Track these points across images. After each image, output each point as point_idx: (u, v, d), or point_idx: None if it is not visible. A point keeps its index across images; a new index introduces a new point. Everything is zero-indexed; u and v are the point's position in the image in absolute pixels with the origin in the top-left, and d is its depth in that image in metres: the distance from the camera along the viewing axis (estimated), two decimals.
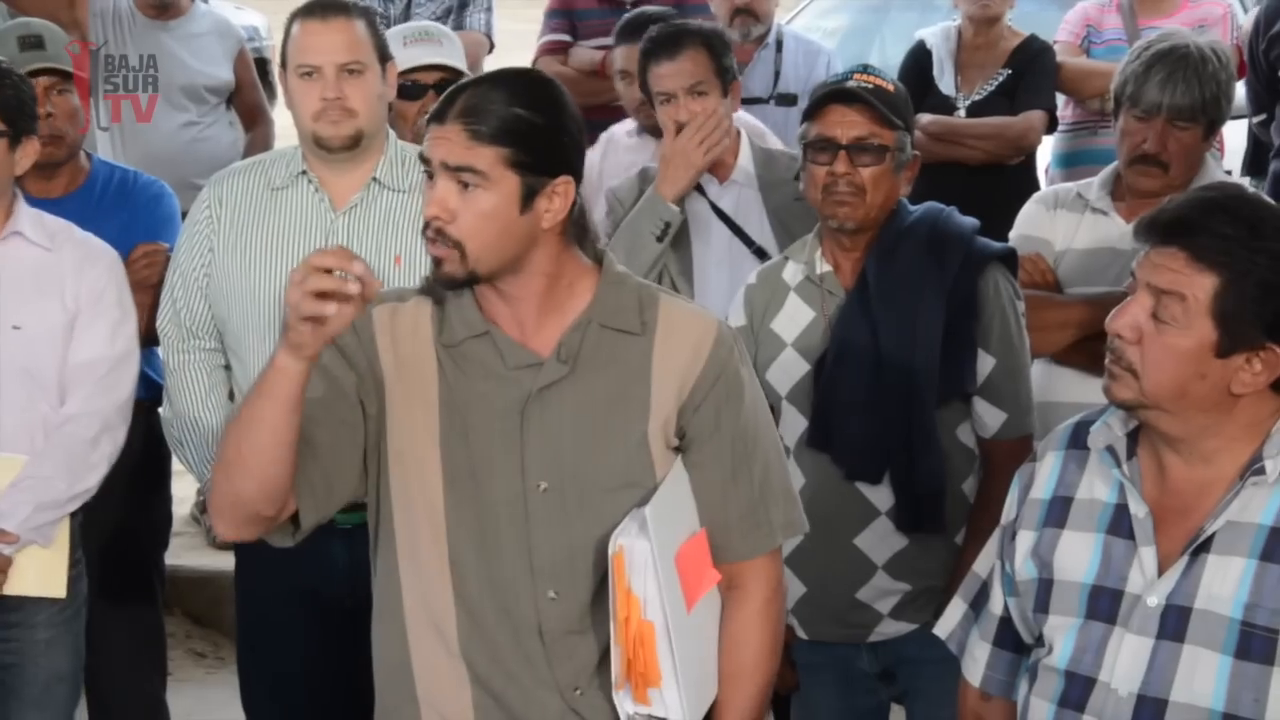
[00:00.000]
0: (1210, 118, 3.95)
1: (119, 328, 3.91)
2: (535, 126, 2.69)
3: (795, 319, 3.77)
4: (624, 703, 2.77)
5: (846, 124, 3.64)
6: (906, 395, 3.64)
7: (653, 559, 2.70)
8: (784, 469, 2.94)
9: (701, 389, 2.80)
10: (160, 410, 4.13)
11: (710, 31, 4.47)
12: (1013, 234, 4.10)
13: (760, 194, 4.40)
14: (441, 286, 2.76)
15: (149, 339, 4.20)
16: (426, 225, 2.71)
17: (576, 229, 2.80)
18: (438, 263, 2.71)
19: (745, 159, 4.41)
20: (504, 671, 2.79)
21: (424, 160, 2.72)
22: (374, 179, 3.90)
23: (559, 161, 2.72)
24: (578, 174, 2.76)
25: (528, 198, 2.69)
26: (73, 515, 3.88)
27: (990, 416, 3.71)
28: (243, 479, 2.66)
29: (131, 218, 4.38)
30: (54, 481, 3.80)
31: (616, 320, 2.79)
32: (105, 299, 3.90)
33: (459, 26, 6.21)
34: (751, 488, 2.87)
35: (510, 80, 2.74)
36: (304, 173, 3.91)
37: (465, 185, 2.67)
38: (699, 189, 4.43)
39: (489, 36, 6.41)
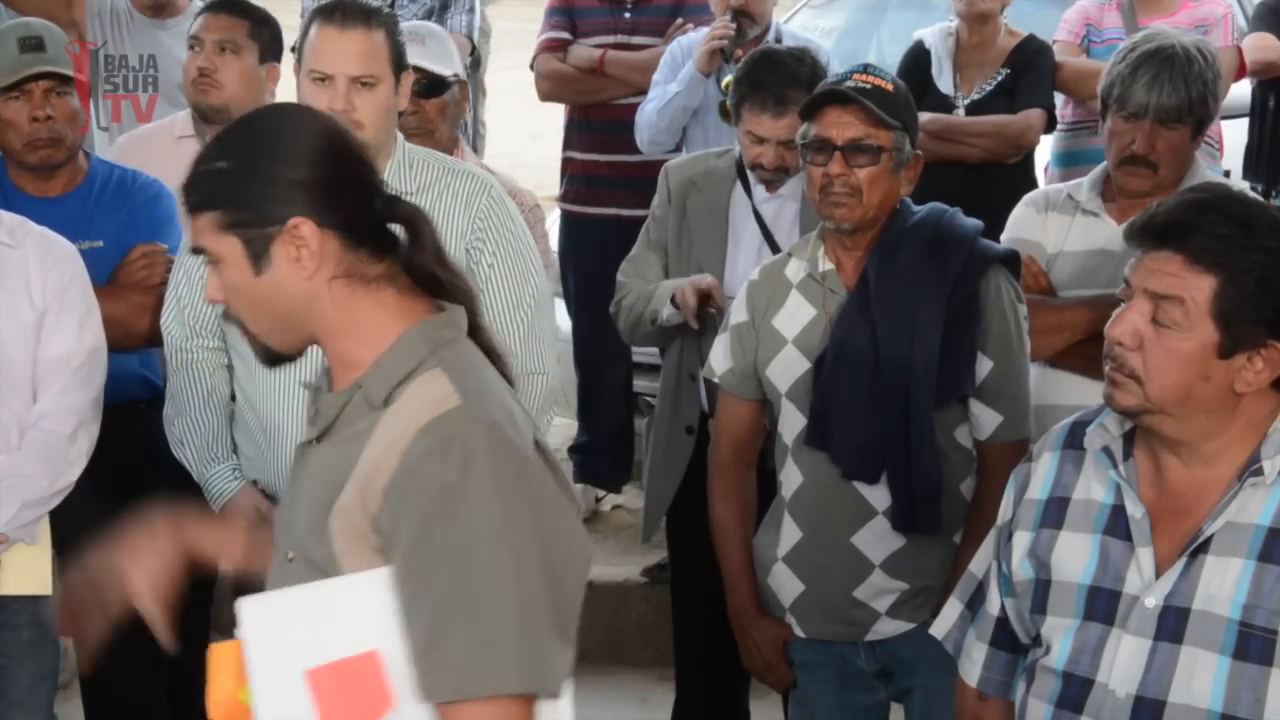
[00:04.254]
0: (1198, 117, 3.95)
1: (86, 321, 3.90)
2: (231, 175, 2.39)
3: (797, 316, 3.77)
4: None
5: (842, 125, 3.64)
6: (904, 396, 3.64)
7: (250, 661, 2.35)
8: (512, 615, 2.27)
9: (392, 489, 2.31)
10: (164, 410, 4.12)
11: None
12: (1004, 237, 4.10)
13: (800, 207, 4.42)
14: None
15: (149, 340, 4.20)
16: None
17: (417, 272, 2.45)
18: None
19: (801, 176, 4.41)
20: None
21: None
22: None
23: (276, 204, 2.37)
24: (319, 213, 2.37)
25: (258, 255, 2.38)
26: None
27: (986, 418, 3.71)
28: None
29: (130, 217, 4.38)
30: (36, 479, 3.80)
31: (372, 390, 2.38)
32: (71, 293, 3.89)
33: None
34: (424, 624, 2.28)
35: (219, 135, 2.48)
36: None
37: (212, 263, 2.44)
38: (746, 190, 4.46)
39: (470, 38, 6.42)
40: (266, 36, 4.93)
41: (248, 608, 2.35)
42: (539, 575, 2.30)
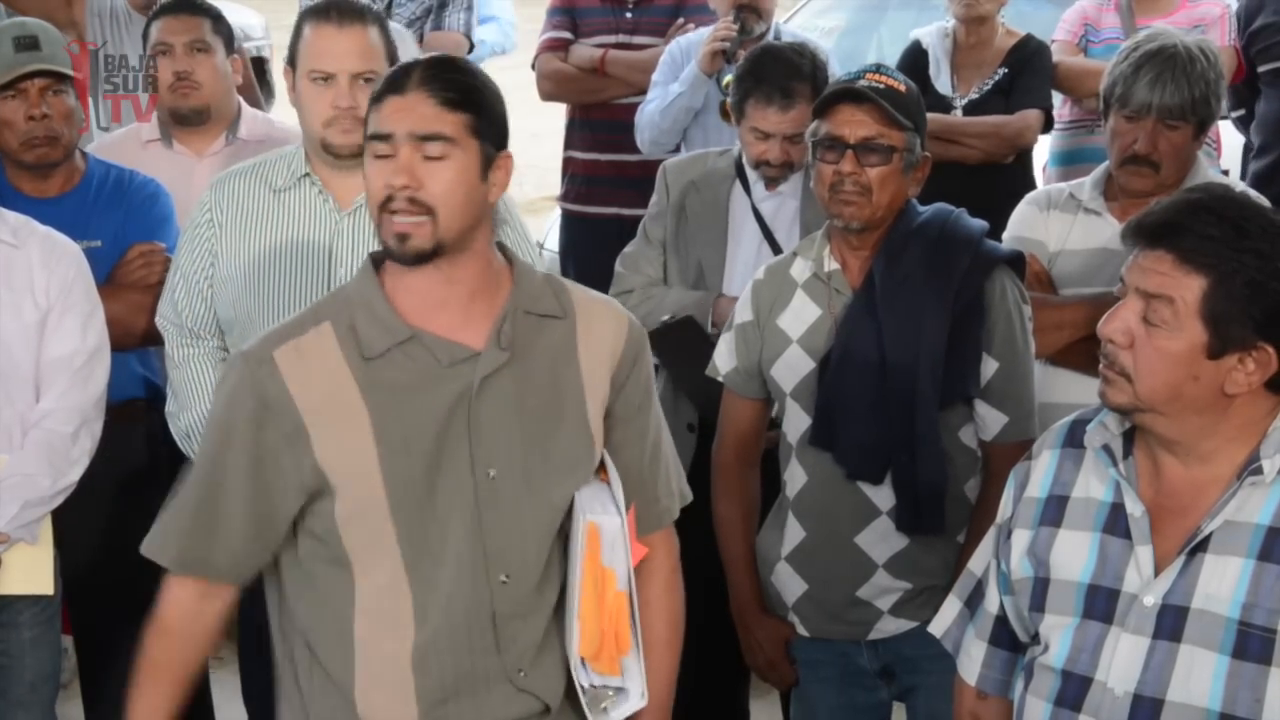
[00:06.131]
0: (1200, 117, 3.96)
1: (89, 321, 3.91)
2: (491, 96, 2.79)
3: (801, 316, 3.77)
4: (582, 675, 2.86)
5: (855, 123, 3.64)
6: (909, 397, 3.64)
7: (622, 533, 2.84)
8: (670, 438, 3.07)
9: (624, 370, 2.90)
10: (167, 406, 4.13)
11: (821, 86, 4.35)
12: (1006, 235, 4.11)
13: (800, 204, 4.42)
14: (407, 261, 2.75)
15: (147, 339, 4.21)
16: (389, 199, 2.72)
17: None
18: (403, 237, 2.72)
19: (801, 174, 4.40)
20: (455, 668, 2.81)
21: (378, 137, 2.74)
22: None
23: (505, 135, 2.82)
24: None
25: (485, 167, 2.77)
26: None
27: (991, 419, 3.71)
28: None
29: (127, 217, 4.38)
30: (38, 479, 3.81)
31: (539, 306, 2.85)
32: (74, 293, 3.90)
33: (438, 26, 6.24)
34: (665, 461, 3.01)
35: (452, 58, 2.87)
36: (307, 174, 3.89)
37: (430, 154, 2.72)
38: (745, 189, 4.46)
39: (468, 36, 6.42)
40: (225, 30, 4.93)
41: (611, 476, 2.87)
42: None
